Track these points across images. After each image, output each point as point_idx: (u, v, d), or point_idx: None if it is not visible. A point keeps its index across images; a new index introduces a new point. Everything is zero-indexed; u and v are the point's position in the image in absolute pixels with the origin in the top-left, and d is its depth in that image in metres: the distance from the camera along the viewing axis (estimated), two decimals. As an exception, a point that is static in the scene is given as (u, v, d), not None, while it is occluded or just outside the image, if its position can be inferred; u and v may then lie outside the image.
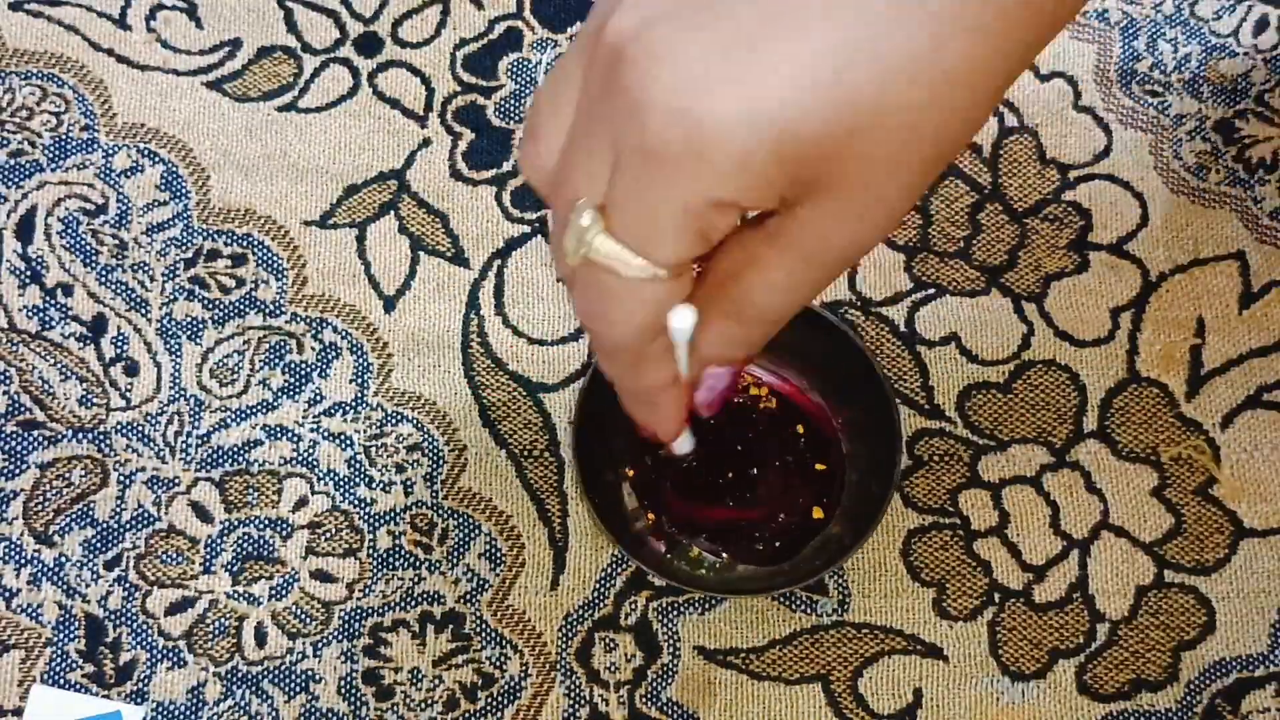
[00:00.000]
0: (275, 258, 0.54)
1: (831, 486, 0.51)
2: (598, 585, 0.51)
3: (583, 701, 0.50)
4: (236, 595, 0.50)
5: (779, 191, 0.35)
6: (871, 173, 0.35)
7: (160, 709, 0.49)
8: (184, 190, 0.55)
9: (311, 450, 0.52)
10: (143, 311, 0.53)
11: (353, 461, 0.52)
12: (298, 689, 0.49)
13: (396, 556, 0.51)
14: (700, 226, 0.35)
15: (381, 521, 0.51)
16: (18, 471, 0.51)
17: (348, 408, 0.52)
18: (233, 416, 0.52)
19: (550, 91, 0.38)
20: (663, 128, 0.33)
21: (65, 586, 0.50)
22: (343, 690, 0.49)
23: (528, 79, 0.57)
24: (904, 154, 0.35)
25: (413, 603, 0.50)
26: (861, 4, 0.33)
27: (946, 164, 0.37)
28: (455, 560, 0.51)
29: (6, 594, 0.50)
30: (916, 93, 0.34)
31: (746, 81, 0.33)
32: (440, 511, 0.51)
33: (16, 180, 0.54)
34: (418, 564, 0.51)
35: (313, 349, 0.53)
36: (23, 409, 0.52)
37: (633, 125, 0.34)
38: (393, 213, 0.55)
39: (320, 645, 0.50)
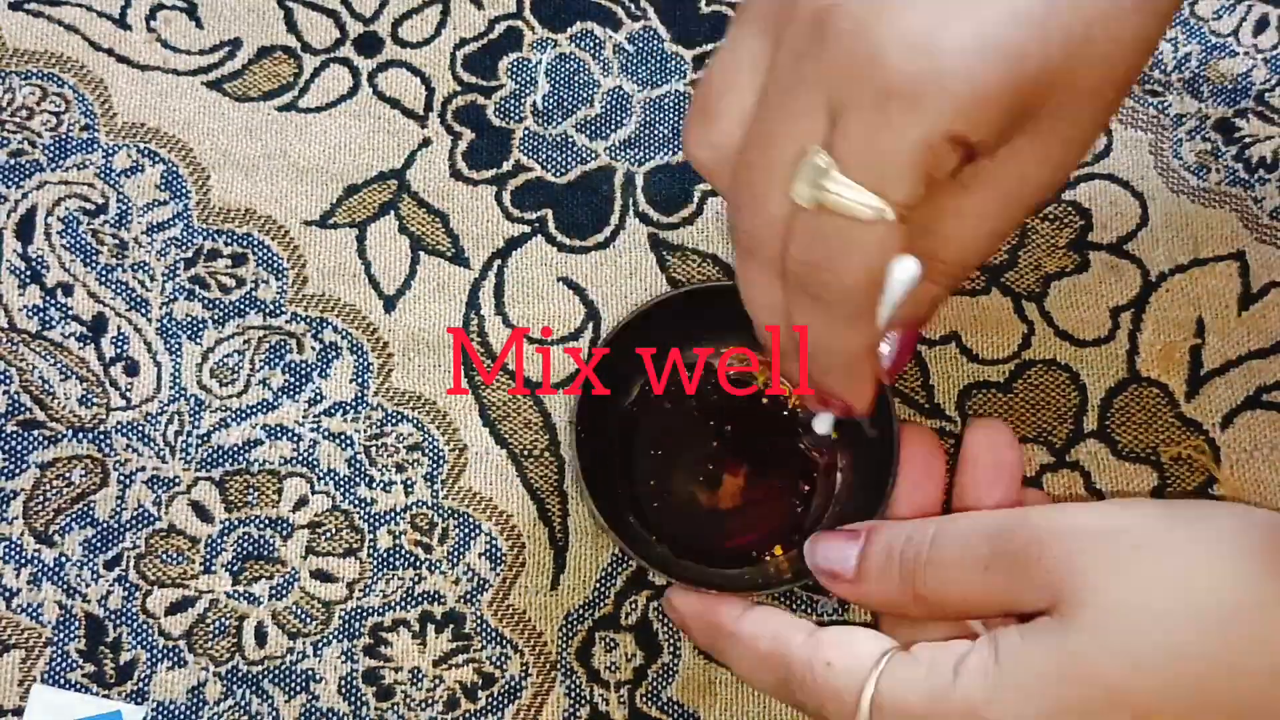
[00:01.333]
0: (275, 257, 0.54)
1: (800, 531, 0.50)
2: (598, 585, 0.51)
3: (583, 701, 0.50)
4: (236, 595, 0.50)
5: (1003, 125, 0.36)
6: (1076, 103, 0.36)
7: (160, 709, 0.49)
8: (184, 190, 0.55)
9: (311, 450, 0.52)
10: (143, 311, 0.53)
11: (353, 461, 0.52)
12: (298, 689, 0.49)
13: (396, 556, 0.51)
14: (931, 164, 0.35)
15: (381, 521, 0.51)
16: (18, 471, 0.51)
17: (348, 407, 0.52)
18: (233, 416, 0.52)
19: (724, 72, 0.38)
20: (903, 63, 0.34)
21: (65, 586, 0.50)
22: (343, 690, 0.49)
23: (528, 79, 0.57)
24: (1104, 82, 0.36)
25: (413, 602, 0.50)
26: None
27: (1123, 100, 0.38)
28: (455, 560, 0.51)
29: (6, 594, 0.50)
30: (1116, 24, 0.36)
31: (975, 13, 0.34)
32: (440, 511, 0.51)
33: (16, 180, 0.54)
34: (418, 564, 0.51)
35: (313, 349, 0.53)
36: (23, 409, 0.52)
37: (865, 67, 0.34)
38: (393, 213, 0.55)
39: (320, 645, 0.50)
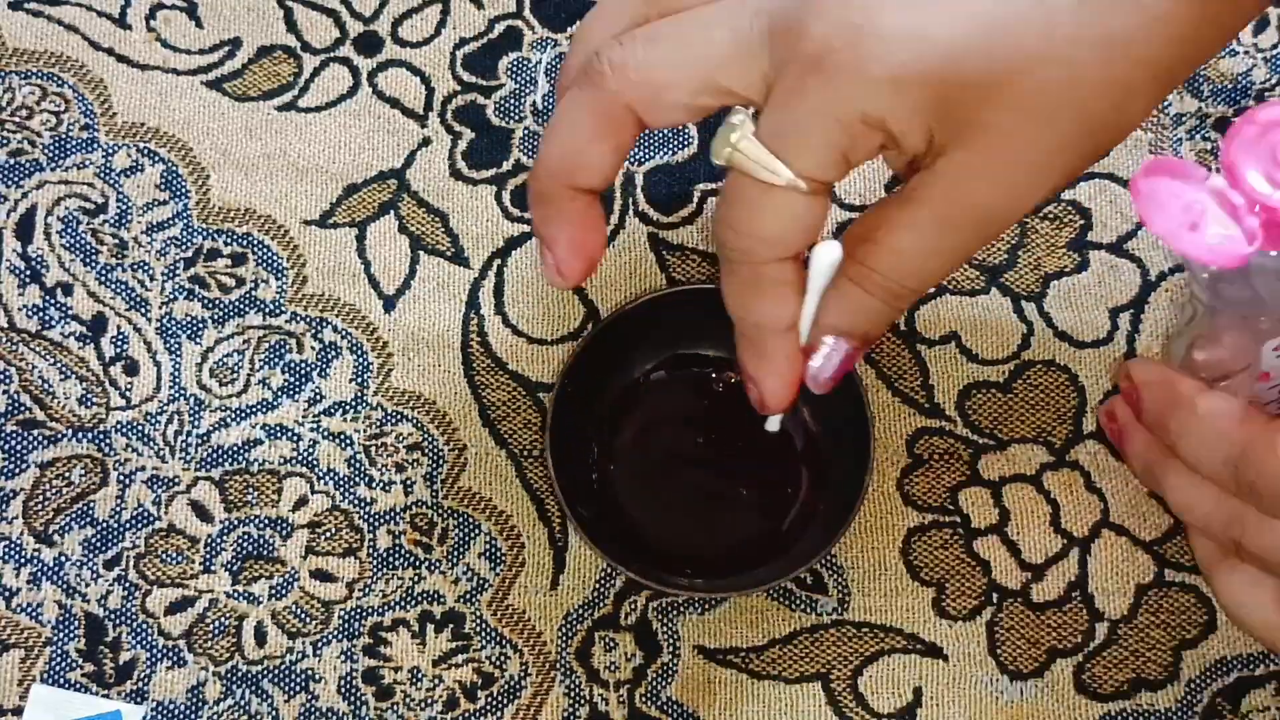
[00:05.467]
0: (275, 257, 0.54)
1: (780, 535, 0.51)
2: (598, 585, 0.51)
3: (583, 701, 0.50)
4: (236, 595, 0.50)
5: (927, 123, 0.35)
6: (1019, 124, 0.35)
7: (160, 708, 0.49)
8: (184, 190, 0.55)
9: (311, 450, 0.52)
10: (143, 311, 0.53)
11: (353, 461, 0.52)
12: (298, 688, 0.49)
13: (396, 556, 0.51)
14: (845, 143, 0.35)
15: (381, 521, 0.51)
16: (18, 471, 0.51)
17: (348, 407, 0.52)
18: (233, 416, 0.52)
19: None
20: (827, 37, 0.34)
21: (65, 586, 0.50)
22: (343, 690, 0.49)
23: (528, 78, 0.57)
24: (1055, 111, 0.35)
25: (413, 602, 0.50)
26: None
27: (1097, 151, 0.37)
28: (455, 560, 0.51)
29: (6, 593, 0.50)
30: (1079, 51, 0.34)
31: (917, 10, 0.34)
32: (440, 511, 0.51)
33: (16, 180, 0.54)
34: (418, 563, 0.51)
35: (313, 348, 0.53)
36: (23, 408, 0.52)
37: (797, 39, 0.35)
38: (393, 212, 0.55)
39: (320, 645, 0.50)
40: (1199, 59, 0.36)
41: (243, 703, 0.49)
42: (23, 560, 0.50)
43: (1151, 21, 0.34)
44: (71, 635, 0.50)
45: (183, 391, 0.52)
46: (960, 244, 0.38)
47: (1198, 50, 0.36)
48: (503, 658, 0.50)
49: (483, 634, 0.50)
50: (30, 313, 0.53)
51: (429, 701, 0.49)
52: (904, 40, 0.34)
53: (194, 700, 0.49)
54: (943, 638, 0.50)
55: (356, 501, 0.51)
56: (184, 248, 0.54)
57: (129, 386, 0.52)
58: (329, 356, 0.53)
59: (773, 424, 0.46)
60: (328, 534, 0.51)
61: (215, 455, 0.52)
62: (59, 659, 0.49)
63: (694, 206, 0.55)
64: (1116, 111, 0.36)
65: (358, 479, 0.52)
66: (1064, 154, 0.36)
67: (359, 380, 0.53)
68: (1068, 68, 0.34)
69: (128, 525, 0.51)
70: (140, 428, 0.52)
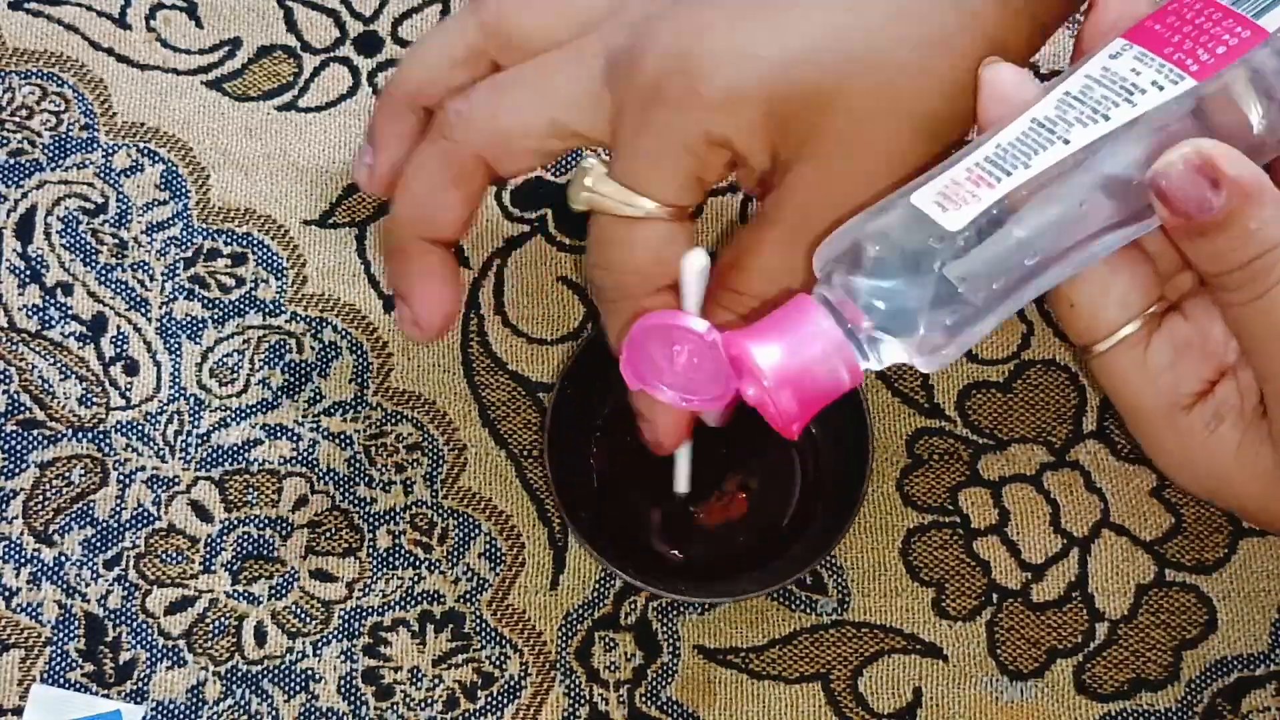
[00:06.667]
0: (275, 257, 0.54)
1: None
2: (597, 585, 0.51)
3: (582, 701, 0.50)
4: (236, 594, 0.50)
5: (769, 138, 0.36)
6: (852, 129, 0.36)
7: (160, 708, 0.49)
8: (184, 189, 0.55)
9: (311, 450, 0.52)
10: (142, 311, 0.53)
11: (353, 461, 0.52)
12: (297, 688, 0.49)
13: (396, 556, 0.51)
14: (696, 166, 0.36)
15: (381, 521, 0.51)
16: (18, 471, 0.51)
17: (347, 407, 0.52)
18: (232, 416, 0.52)
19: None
20: (661, 65, 0.35)
21: (65, 586, 0.50)
22: (342, 689, 0.49)
23: (527, 78, 0.57)
24: (885, 112, 0.36)
25: (412, 602, 0.50)
26: None
27: (939, 145, 0.37)
28: (455, 560, 0.51)
29: (6, 593, 0.50)
30: (900, 53, 0.35)
31: (743, 31, 0.35)
32: (440, 511, 0.51)
33: (16, 180, 0.54)
34: (417, 563, 0.51)
35: (312, 348, 0.53)
36: (23, 408, 0.52)
37: (633, 72, 0.36)
38: (392, 212, 0.55)
39: (320, 644, 0.50)
40: (1023, 51, 0.37)
41: (243, 703, 0.49)
42: (23, 560, 0.50)
43: (969, 19, 0.35)
44: (71, 635, 0.50)
45: (183, 391, 0.52)
46: (810, 258, 0.38)
47: (1019, 42, 0.37)
48: (503, 658, 0.50)
49: (483, 634, 0.50)
50: (30, 313, 0.53)
51: (429, 701, 0.49)
52: (734, 60, 0.35)
53: (194, 700, 0.49)
54: (943, 638, 0.50)
55: (356, 501, 0.51)
56: (184, 248, 0.54)
57: (129, 386, 0.52)
58: (329, 356, 0.53)
59: (681, 484, 0.47)
60: (328, 534, 0.51)
61: (215, 455, 0.52)
62: (59, 659, 0.50)
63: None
64: (948, 106, 0.36)
65: (358, 479, 0.52)
66: (901, 153, 0.37)
67: (359, 380, 0.53)
68: (890, 70, 0.35)
69: (128, 525, 0.51)
70: (140, 428, 0.52)
